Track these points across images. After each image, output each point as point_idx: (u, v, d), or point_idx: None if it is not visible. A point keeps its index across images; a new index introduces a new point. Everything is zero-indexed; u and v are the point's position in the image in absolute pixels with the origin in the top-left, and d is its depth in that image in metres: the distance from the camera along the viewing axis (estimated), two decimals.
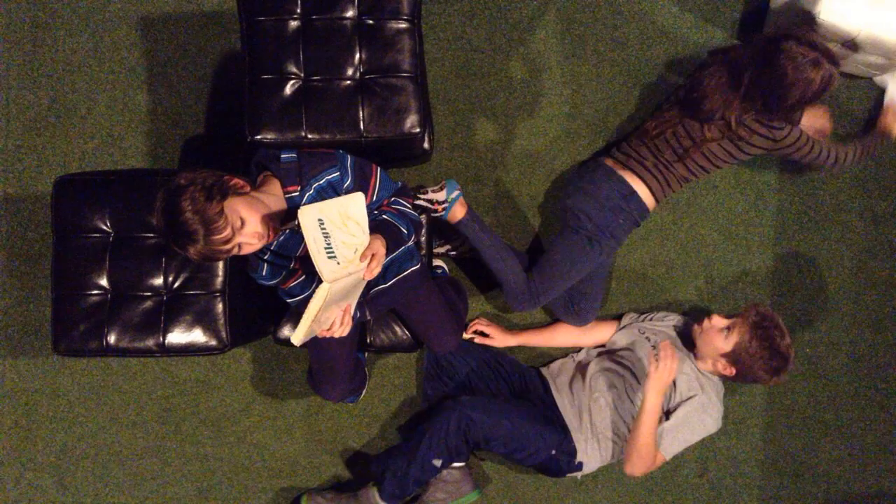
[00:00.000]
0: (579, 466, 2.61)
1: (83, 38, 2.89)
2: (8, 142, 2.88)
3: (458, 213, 2.67)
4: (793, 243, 2.91)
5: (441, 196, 2.67)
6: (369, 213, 2.10)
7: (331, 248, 1.90)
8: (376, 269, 1.99)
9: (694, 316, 2.72)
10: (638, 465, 2.43)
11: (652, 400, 2.37)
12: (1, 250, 2.86)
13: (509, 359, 2.80)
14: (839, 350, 2.90)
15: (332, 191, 2.09)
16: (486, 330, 2.79)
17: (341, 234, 1.90)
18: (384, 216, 2.17)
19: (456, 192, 2.67)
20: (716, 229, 2.90)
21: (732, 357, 2.48)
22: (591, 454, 2.60)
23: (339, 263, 1.91)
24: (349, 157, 2.11)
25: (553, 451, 2.57)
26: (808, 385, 2.90)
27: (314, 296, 1.91)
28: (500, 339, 2.79)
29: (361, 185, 2.12)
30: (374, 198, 2.16)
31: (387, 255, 2.06)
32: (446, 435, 2.50)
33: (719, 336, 2.50)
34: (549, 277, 2.63)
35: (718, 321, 2.53)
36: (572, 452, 2.59)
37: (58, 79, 2.88)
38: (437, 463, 2.53)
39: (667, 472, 2.87)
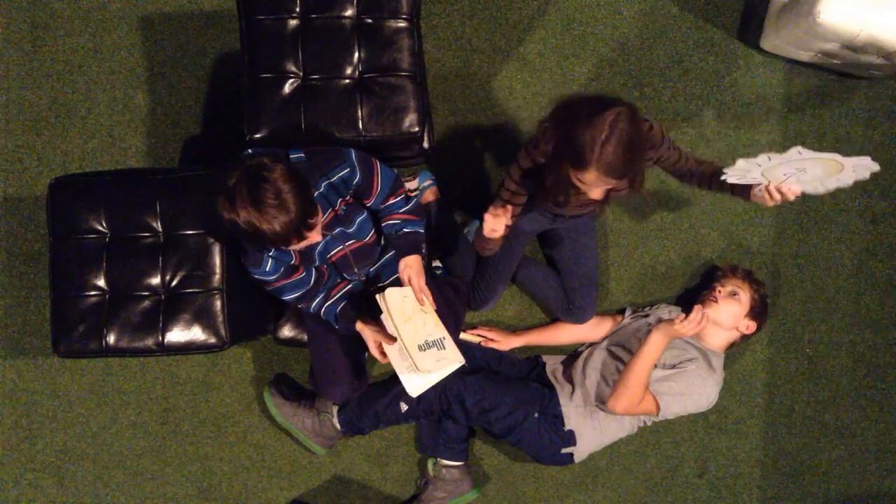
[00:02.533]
0: (571, 437, 2.58)
1: (83, 38, 2.89)
2: (8, 142, 2.88)
3: (428, 198, 2.78)
4: (793, 243, 2.91)
5: (413, 185, 2.78)
6: (377, 205, 2.25)
7: (428, 343, 2.31)
8: (421, 282, 2.27)
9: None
10: (621, 399, 2.43)
11: (655, 337, 2.38)
12: (1, 250, 2.86)
13: (510, 357, 2.80)
14: (839, 350, 2.90)
15: (345, 187, 2.14)
16: (489, 335, 2.79)
17: (410, 327, 2.28)
18: (405, 230, 2.30)
19: (427, 182, 2.79)
20: (716, 229, 2.90)
21: (753, 312, 2.60)
22: (582, 421, 2.58)
23: (432, 341, 2.30)
24: (352, 150, 2.15)
25: (536, 414, 2.56)
26: (808, 385, 2.89)
27: (443, 370, 2.32)
28: (503, 342, 2.79)
29: (367, 177, 2.18)
30: (380, 187, 2.21)
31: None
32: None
33: (734, 301, 2.58)
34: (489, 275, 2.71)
35: (724, 290, 2.61)
36: (559, 416, 2.58)
37: (57, 79, 2.89)
38: (403, 408, 2.57)
39: (667, 472, 2.87)
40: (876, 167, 2.03)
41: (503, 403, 2.54)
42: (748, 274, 2.65)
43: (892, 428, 2.90)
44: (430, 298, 2.33)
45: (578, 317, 2.71)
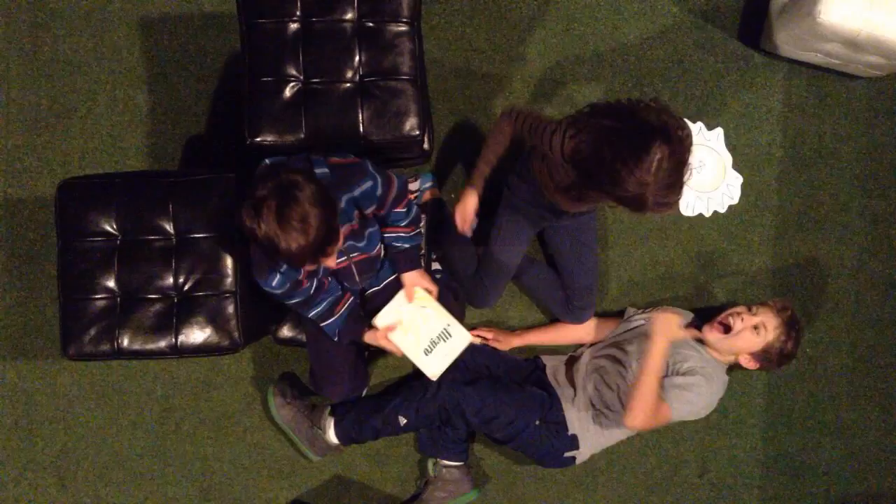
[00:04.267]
0: (574, 441, 2.57)
1: (83, 38, 2.89)
2: (8, 142, 2.88)
3: (427, 197, 2.79)
4: (793, 243, 2.91)
5: (414, 186, 2.76)
6: (386, 214, 2.27)
7: (433, 342, 2.42)
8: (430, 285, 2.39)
9: (698, 315, 2.72)
10: (639, 414, 2.31)
11: (658, 342, 2.33)
12: (1, 251, 2.86)
13: (510, 358, 2.79)
14: (839, 350, 2.90)
15: (365, 200, 2.15)
16: (488, 335, 2.79)
17: (412, 338, 2.39)
18: (405, 246, 2.36)
19: (428, 184, 2.80)
20: (716, 229, 2.90)
21: (764, 354, 2.48)
22: (585, 426, 2.57)
23: (437, 337, 2.41)
24: (368, 161, 2.15)
25: (537, 421, 2.55)
26: (808, 385, 2.90)
27: (457, 347, 2.43)
28: (503, 342, 2.79)
29: (386, 187, 2.19)
30: (394, 197, 2.24)
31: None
32: (421, 397, 2.54)
33: (753, 335, 2.47)
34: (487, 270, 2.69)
35: (749, 320, 2.48)
36: (561, 422, 2.56)
37: (58, 79, 2.88)
38: (402, 421, 2.56)
39: (667, 473, 2.87)
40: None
41: (504, 413, 2.52)
42: (793, 323, 2.49)
43: (892, 428, 2.90)
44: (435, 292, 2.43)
45: (578, 316, 2.70)
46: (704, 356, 2.53)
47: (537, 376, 2.72)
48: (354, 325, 2.35)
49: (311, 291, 2.27)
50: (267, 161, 2.12)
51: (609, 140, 1.82)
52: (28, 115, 2.88)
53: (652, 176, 1.77)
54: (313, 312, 2.30)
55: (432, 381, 2.53)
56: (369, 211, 2.21)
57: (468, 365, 2.68)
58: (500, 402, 2.53)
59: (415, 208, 2.35)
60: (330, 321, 2.32)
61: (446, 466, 2.68)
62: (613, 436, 2.61)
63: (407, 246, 2.33)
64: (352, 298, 2.37)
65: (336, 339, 2.36)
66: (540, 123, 2.09)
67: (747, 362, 2.52)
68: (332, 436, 2.63)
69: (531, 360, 2.79)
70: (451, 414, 2.52)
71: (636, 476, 2.87)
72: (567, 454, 2.58)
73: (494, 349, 2.77)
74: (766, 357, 2.49)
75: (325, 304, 2.29)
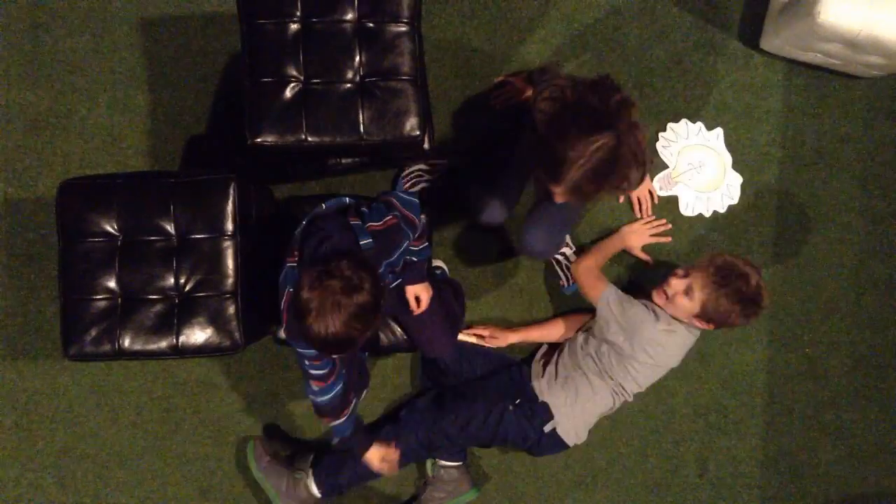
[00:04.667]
0: (545, 409, 2.54)
1: (83, 38, 2.89)
2: (8, 142, 2.87)
3: None
4: (793, 243, 2.91)
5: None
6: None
7: None
8: (424, 306, 2.39)
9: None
10: (578, 265, 2.69)
11: (622, 235, 2.81)
12: (1, 251, 2.86)
13: (508, 358, 2.79)
14: (839, 350, 2.90)
15: (402, 257, 2.23)
16: (484, 333, 2.79)
17: None
18: (413, 259, 2.32)
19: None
20: (715, 229, 2.90)
21: (705, 316, 2.42)
22: (555, 392, 2.55)
23: None
24: (398, 214, 2.18)
25: (510, 407, 2.55)
26: (808, 385, 2.90)
27: None
28: (500, 339, 2.79)
29: (415, 232, 2.23)
30: (418, 233, 2.26)
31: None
32: (402, 426, 2.59)
33: (684, 299, 2.43)
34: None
35: (677, 284, 2.46)
36: (532, 399, 2.56)
37: (58, 79, 2.88)
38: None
39: (667, 472, 2.87)
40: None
41: (478, 410, 2.54)
42: (720, 278, 2.37)
43: (892, 428, 2.90)
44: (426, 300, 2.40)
45: (525, 243, 2.51)
46: (665, 313, 2.52)
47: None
48: (364, 438, 2.48)
49: (332, 365, 2.26)
50: (323, 206, 2.20)
51: (566, 115, 1.94)
52: (28, 115, 2.88)
53: (584, 157, 1.86)
54: (323, 399, 2.30)
55: (405, 416, 2.64)
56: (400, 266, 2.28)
57: (452, 371, 2.71)
58: (469, 401, 2.56)
59: (423, 223, 2.34)
60: (338, 422, 2.36)
61: (445, 467, 2.69)
62: (586, 401, 2.55)
63: (415, 259, 2.33)
64: (354, 401, 2.41)
65: (337, 441, 2.45)
66: (550, 72, 2.31)
67: (701, 324, 2.48)
68: (311, 483, 2.61)
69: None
70: (432, 438, 2.55)
71: (636, 476, 2.87)
72: (547, 428, 2.54)
73: (486, 350, 2.78)
74: (710, 317, 2.42)
75: (333, 394, 2.28)
